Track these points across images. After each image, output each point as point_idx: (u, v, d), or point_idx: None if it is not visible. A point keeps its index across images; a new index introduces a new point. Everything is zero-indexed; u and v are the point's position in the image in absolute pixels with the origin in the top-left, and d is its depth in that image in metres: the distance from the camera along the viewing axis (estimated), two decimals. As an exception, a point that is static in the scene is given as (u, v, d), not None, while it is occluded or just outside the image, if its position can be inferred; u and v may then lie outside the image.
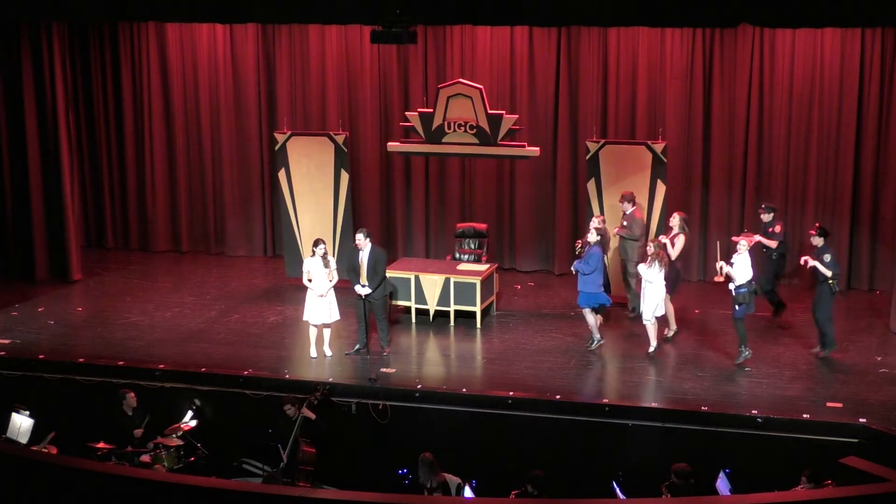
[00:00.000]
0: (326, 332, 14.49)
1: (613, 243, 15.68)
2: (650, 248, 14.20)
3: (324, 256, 14.30)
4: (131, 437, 13.27)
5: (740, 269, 13.73)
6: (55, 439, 12.91)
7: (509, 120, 15.91)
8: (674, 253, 14.64)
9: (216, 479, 11.24)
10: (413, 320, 15.65)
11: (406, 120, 16.58)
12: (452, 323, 15.61)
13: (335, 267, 14.49)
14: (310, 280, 14.28)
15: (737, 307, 13.76)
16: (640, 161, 16.04)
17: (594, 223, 14.74)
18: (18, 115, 17.53)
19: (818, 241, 13.97)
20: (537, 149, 16.29)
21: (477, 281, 15.52)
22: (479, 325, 15.52)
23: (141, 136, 19.44)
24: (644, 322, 14.30)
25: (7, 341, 15.19)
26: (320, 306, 14.25)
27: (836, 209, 16.99)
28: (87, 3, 15.53)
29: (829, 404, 12.83)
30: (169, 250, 19.66)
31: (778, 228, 15.14)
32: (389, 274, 15.01)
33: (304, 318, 14.46)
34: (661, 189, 15.96)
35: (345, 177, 16.88)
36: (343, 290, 14.60)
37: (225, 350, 14.81)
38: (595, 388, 13.73)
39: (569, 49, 17.53)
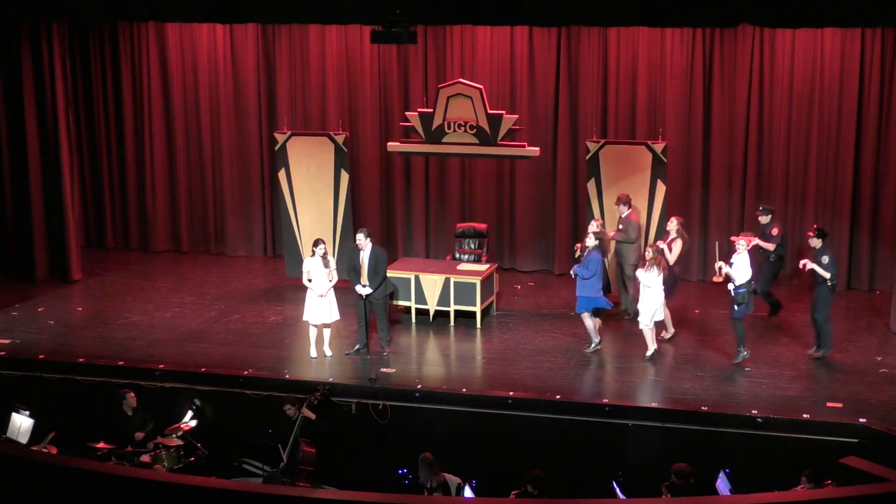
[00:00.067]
0: (326, 332, 14.49)
1: (612, 246, 15.66)
2: (648, 254, 14.15)
3: (324, 256, 14.31)
4: (131, 437, 13.27)
5: (739, 269, 13.72)
6: (55, 439, 12.91)
7: (509, 120, 15.90)
8: (671, 258, 14.64)
9: (216, 479, 11.23)
10: (413, 320, 15.64)
11: (406, 120, 16.58)
12: (452, 323, 15.61)
13: (335, 267, 14.50)
14: (310, 280, 14.28)
15: (736, 307, 13.75)
16: (640, 161, 16.03)
17: (592, 227, 14.69)
18: (18, 115, 17.52)
19: (816, 243, 13.96)
20: (537, 149, 16.29)
21: (477, 281, 15.52)
22: (479, 325, 15.52)
23: (141, 136, 19.43)
24: (641, 327, 14.26)
25: (7, 341, 15.18)
26: (320, 306, 14.25)
27: (835, 209, 16.98)
28: (87, 3, 15.52)
29: (829, 404, 12.83)
30: (169, 250, 19.65)
31: (775, 231, 15.12)
32: (389, 274, 15.00)
33: (304, 318, 14.46)
34: (661, 189, 15.96)
35: (345, 177, 16.87)
36: (343, 290, 14.60)
37: (225, 350, 14.81)
38: (595, 388, 13.71)
39: (569, 49, 17.53)
